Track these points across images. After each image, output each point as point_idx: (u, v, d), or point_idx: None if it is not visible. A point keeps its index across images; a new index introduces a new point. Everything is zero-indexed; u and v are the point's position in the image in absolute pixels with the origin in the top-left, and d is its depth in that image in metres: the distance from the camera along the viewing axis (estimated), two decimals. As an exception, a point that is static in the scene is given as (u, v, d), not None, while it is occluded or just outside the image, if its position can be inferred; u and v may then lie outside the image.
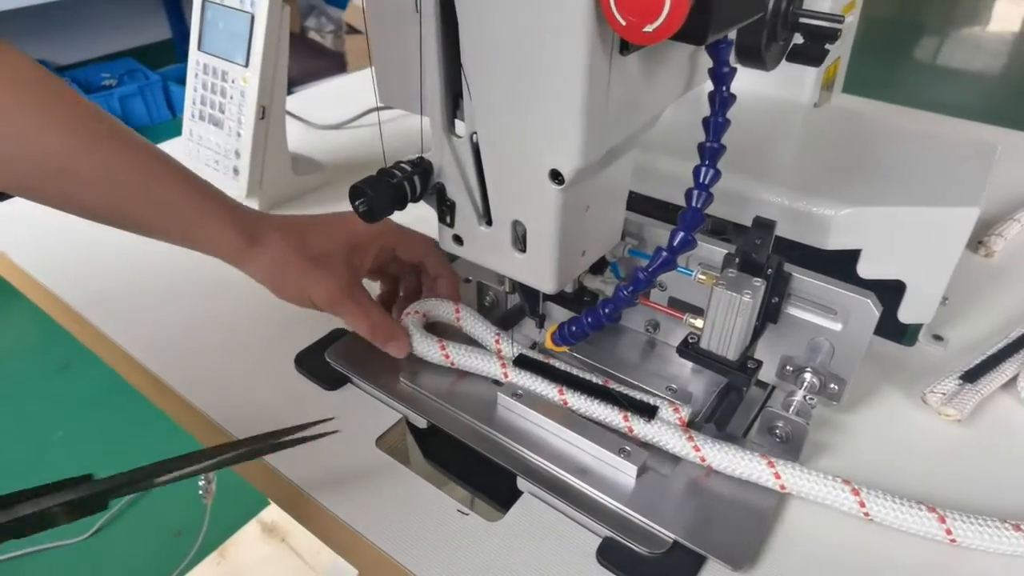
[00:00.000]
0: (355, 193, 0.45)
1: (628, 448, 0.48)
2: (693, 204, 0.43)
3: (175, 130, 0.85)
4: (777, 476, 0.46)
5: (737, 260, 0.50)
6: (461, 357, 0.54)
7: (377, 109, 1.02)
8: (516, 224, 0.44)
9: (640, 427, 0.49)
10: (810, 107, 0.72)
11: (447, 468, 0.54)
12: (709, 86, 0.42)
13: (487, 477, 0.51)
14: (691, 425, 0.50)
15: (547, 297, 0.55)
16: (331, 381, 0.56)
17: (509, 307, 0.60)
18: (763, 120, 0.68)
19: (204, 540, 1.37)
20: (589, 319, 0.44)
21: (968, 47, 3.92)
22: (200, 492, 1.14)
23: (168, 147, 0.95)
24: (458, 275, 0.60)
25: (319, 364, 0.57)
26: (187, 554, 1.39)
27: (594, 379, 0.52)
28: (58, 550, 1.44)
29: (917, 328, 0.63)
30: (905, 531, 0.45)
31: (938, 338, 0.63)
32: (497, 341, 0.55)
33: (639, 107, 0.42)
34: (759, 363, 0.52)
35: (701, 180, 0.43)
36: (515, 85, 0.38)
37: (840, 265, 0.55)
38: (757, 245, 0.49)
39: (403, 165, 0.46)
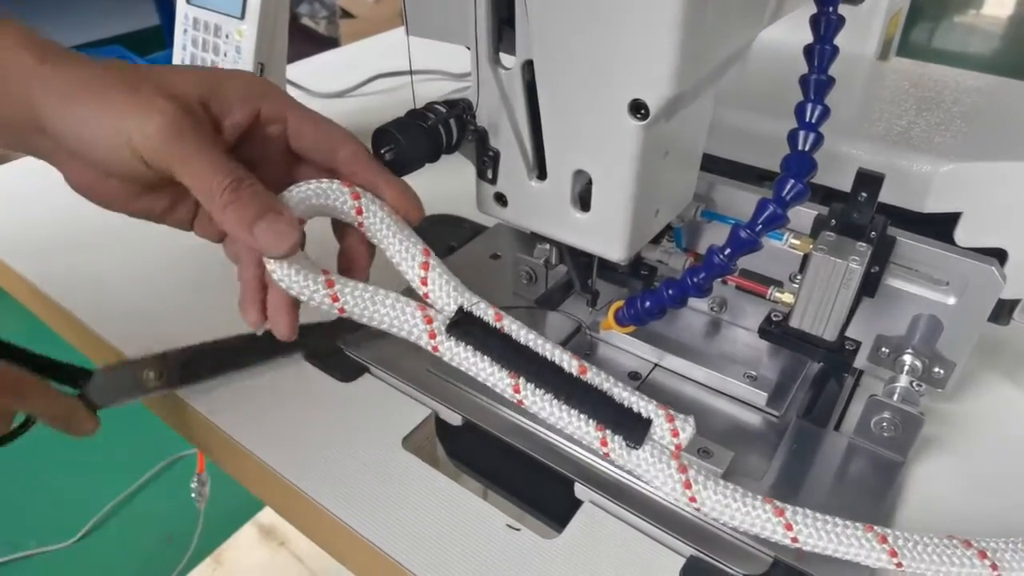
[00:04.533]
0: (381, 138, 0.37)
1: (710, 449, 0.40)
2: (800, 147, 0.35)
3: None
4: (788, 527, 0.34)
5: (833, 222, 0.42)
6: (360, 303, 0.35)
7: (413, 72, 0.94)
8: (578, 176, 0.36)
9: (620, 454, 0.35)
10: (874, 60, 0.64)
11: (481, 473, 0.46)
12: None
13: (534, 484, 0.43)
14: (781, 420, 0.42)
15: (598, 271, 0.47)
16: (346, 371, 0.48)
17: (550, 285, 0.52)
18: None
19: (197, 544, 1.29)
20: (670, 291, 0.36)
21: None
22: (193, 495, 1.06)
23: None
24: (405, 186, 0.37)
25: (331, 353, 0.49)
26: (180, 560, 1.30)
27: (570, 362, 0.35)
28: (43, 555, 1.35)
29: (1009, 304, 0.56)
30: None
31: (1036, 316, 0.56)
32: (425, 269, 0.35)
33: (733, 28, 0.34)
34: (858, 344, 0.44)
35: (807, 119, 0.35)
36: (589, -8, 0.30)
37: (929, 232, 0.47)
38: (860, 203, 0.41)
39: (437, 106, 0.38)
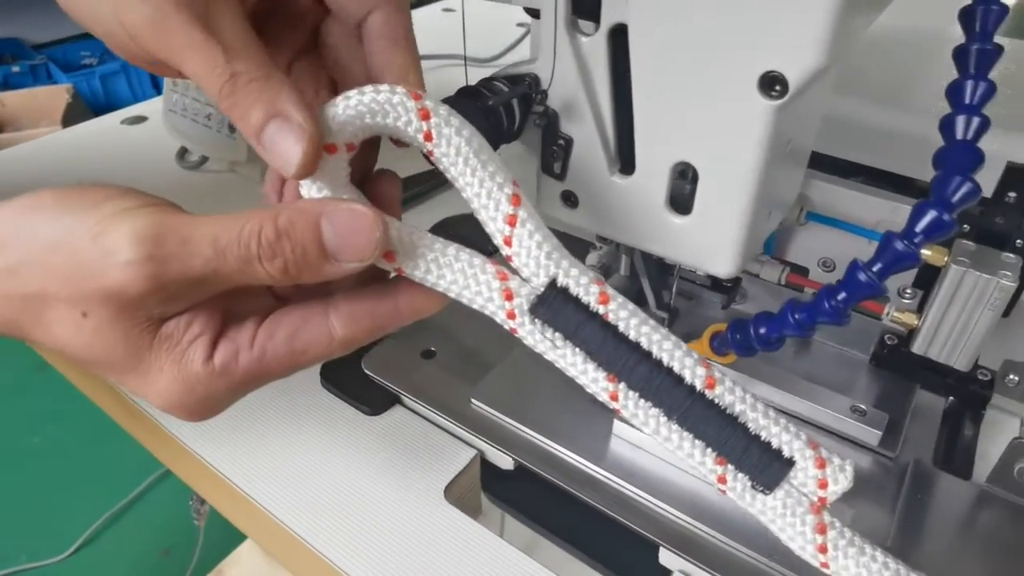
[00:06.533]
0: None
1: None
2: (960, 135, 0.28)
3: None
4: None
5: (966, 227, 0.35)
6: (423, 264, 0.26)
7: (426, 57, 0.86)
8: (679, 170, 0.29)
9: (741, 495, 0.27)
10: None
11: (535, 520, 0.38)
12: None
13: (603, 544, 0.36)
14: (895, 462, 0.35)
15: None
16: (374, 402, 0.41)
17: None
18: (920, 53, 0.52)
19: (197, 560, 1.22)
20: (797, 316, 0.28)
21: None
22: (193, 514, 0.99)
23: (146, 106, 0.79)
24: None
25: (355, 378, 0.42)
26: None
27: (694, 370, 0.26)
28: (34, 571, 1.28)
29: None
30: None
31: None
32: (512, 225, 0.26)
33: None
34: (992, 374, 0.36)
35: (968, 100, 0.28)
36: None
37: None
38: (1009, 205, 0.33)
39: (497, 83, 0.30)
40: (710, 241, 0.29)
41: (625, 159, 0.30)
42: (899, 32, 0.51)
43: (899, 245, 0.26)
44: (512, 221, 0.26)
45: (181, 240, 0.23)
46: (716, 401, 0.26)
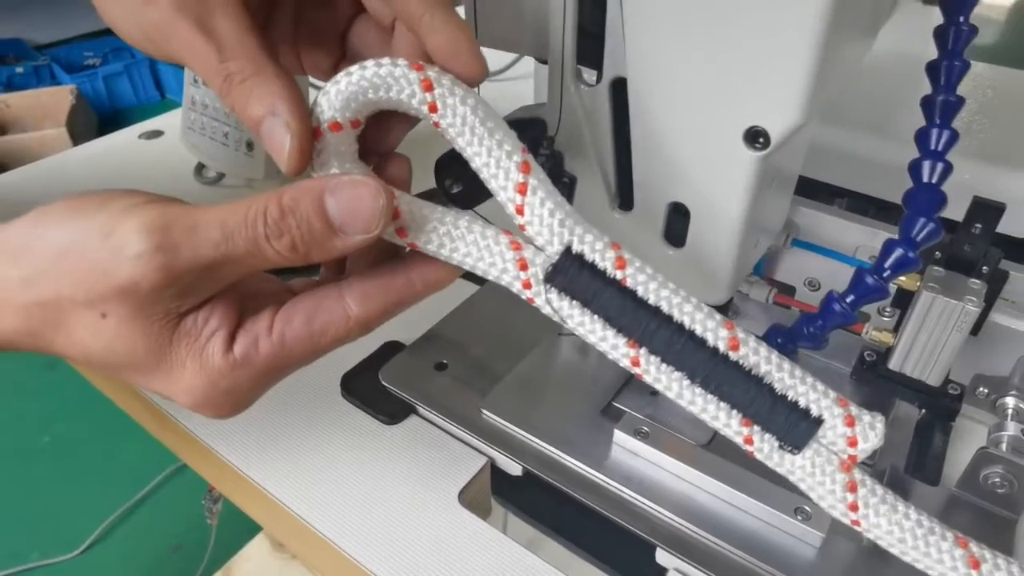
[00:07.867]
0: (445, 169, 0.32)
1: (807, 508, 0.36)
2: (925, 178, 0.31)
3: (164, 112, 0.72)
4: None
5: (938, 254, 0.38)
6: (435, 237, 0.27)
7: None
8: (674, 208, 0.32)
9: (768, 455, 0.27)
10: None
11: (541, 521, 0.42)
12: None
13: (604, 544, 0.39)
14: (874, 470, 0.38)
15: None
16: (390, 412, 0.44)
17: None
18: (898, 79, 0.55)
19: (209, 557, 1.25)
20: (779, 340, 0.31)
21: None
22: (205, 513, 1.02)
23: (163, 120, 0.82)
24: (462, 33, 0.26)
25: (373, 389, 0.45)
26: (188, 573, 1.26)
27: (717, 332, 0.26)
28: (46, 568, 1.31)
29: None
30: None
31: None
32: (523, 193, 0.27)
33: (855, 47, 0.30)
34: (962, 388, 0.40)
35: (933, 146, 0.31)
36: (705, 6, 0.26)
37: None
38: (975, 235, 0.36)
39: (507, 127, 0.33)
40: (702, 271, 0.32)
41: (624, 197, 0.33)
42: (883, 58, 0.54)
43: (870, 279, 0.29)
44: (523, 189, 0.26)
45: (189, 227, 0.23)
46: (740, 362, 0.26)
